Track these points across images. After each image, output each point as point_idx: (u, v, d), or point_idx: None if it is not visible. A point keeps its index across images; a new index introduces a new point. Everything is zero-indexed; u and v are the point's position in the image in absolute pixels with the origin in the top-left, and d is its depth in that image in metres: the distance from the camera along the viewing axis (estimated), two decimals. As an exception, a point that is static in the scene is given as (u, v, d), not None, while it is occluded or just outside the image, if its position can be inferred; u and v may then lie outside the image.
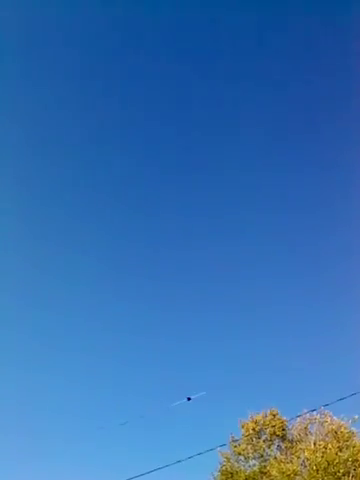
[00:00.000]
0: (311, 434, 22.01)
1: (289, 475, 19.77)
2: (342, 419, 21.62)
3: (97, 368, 41.73)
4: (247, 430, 22.54)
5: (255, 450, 21.97)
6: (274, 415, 22.87)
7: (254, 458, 21.80)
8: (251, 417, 23.01)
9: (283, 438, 22.45)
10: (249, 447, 22.22)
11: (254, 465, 21.48)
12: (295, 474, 20.00)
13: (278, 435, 22.35)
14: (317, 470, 19.29)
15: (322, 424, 21.92)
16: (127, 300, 48.01)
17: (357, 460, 19.49)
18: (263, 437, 22.40)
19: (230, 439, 22.38)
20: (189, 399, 19.05)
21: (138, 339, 44.87)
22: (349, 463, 19.43)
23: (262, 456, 21.82)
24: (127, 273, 49.82)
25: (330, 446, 20.15)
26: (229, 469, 21.63)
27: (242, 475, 20.93)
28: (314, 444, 21.01)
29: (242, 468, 21.52)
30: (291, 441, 22.25)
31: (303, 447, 21.16)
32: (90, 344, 44.04)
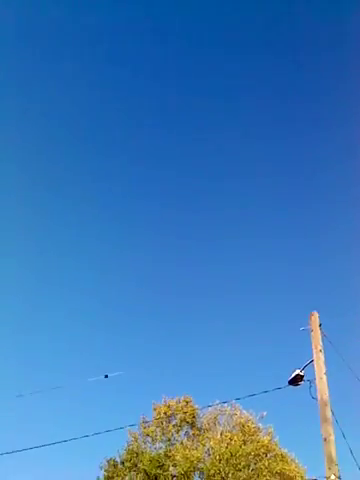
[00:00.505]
0: (219, 424, 22.66)
1: (192, 461, 20.24)
2: (251, 414, 22.39)
3: (20, 336, 40.97)
4: (159, 413, 22.82)
5: (164, 433, 22.31)
6: (187, 402, 23.29)
7: (161, 441, 22.15)
8: (164, 401, 23.34)
9: (192, 425, 22.94)
10: (158, 430, 22.53)
11: (160, 448, 21.83)
12: (198, 461, 20.51)
13: (188, 422, 22.80)
14: (220, 460, 19.88)
15: (231, 416, 22.59)
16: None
17: (259, 455, 20.26)
18: (173, 422, 22.78)
19: (141, 420, 22.59)
20: (106, 376, 18.93)
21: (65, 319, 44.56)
22: (251, 457, 20.17)
23: (169, 440, 22.21)
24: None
25: (236, 438, 20.80)
26: (135, 449, 21.85)
27: (147, 456, 21.19)
28: (221, 434, 21.61)
29: (148, 449, 21.79)
30: (200, 429, 22.78)
31: (210, 436, 21.72)
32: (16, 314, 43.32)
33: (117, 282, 48.26)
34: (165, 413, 22.75)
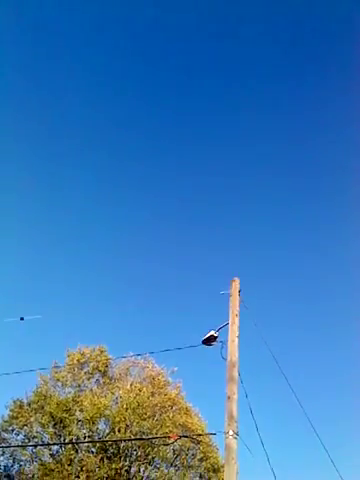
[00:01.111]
0: (131, 376, 23.22)
1: (99, 408, 20.65)
2: (162, 368, 23.11)
3: None
4: (72, 360, 22.93)
5: (74, 380, 22.51)
6: (102, 351, 23.57)
7: (71, 387, 22.36)
8: (79, 349, 23.46)
9: (104, 374, 23.32)
10: (69, 376, 22.68)
11: (69, 393, 22.02)
12: (105, 408, 20.96)
13: (100, 370, 23.14)
14: (126, 409, 20.45)
15: (143, 369, 23.18)
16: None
17: (165, 407, 21.07)
18: (85, 369, 23.01)
19: (52, 364, 22.64)
20: (22, 319, 18.65)
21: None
22: (157, 408, 20.94)
23: (79, 386, 22.46)
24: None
25: (145, 390, 21.44)
26: (44, 392, 21.91)
27: (55, 400, 21.34)
28: (130, 385, 22.16)
29: (57, 394, 21.93)
30: (111, 378, 23.23)
31: (120, 386, 22.21)
32: None
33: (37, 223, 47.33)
34: (78, 360, 22.89)
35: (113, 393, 22.04)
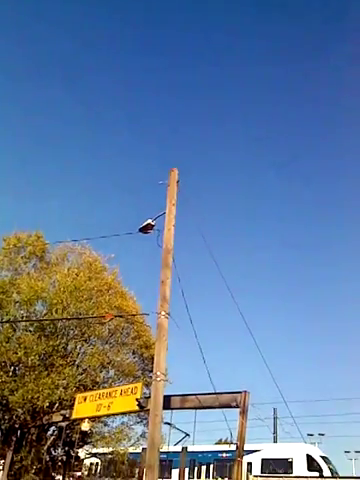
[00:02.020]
0: (68, 261, 23.60)
1: (36, 290, 21.08)
2: (99, 255, 23.59)
3: None
4: (8, 244, 22.83)
5: (11, 264, 22.59)
6: (38, 237, 23.56)
7: (8, 270, 22.48)
8: (15, 234, 23.29)
9: (41, 259, 23.54)
10: (6, 260, 22.69)
11: (6, 276, 22.20)
12: (42, 291, 21.43)
13: (37, 255, 23.30)
14: (64, 291, 21.02)
15: (80, 255, 23.55)
16: None
17: (101, 290, 21.87)
18: (22, 254, 23.07)
19: (-12, 249, 22.47)
20: None
21: None
22: (94, 291, 21.71)
23: (16, 270, 22.63)
24: None
25: (82, 274, 21.97)
26: (-21, 276, 21.93)
27: (-9, 282, 21.48)
28: (68, 270, 22.59)
29: (-7, 277, 22.05)
30: (48, 263, 23.52)
31: (57, 270, 22.59)
32: None
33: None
34: (14, 245, 22.84)
35: (50, 277, 22.43)
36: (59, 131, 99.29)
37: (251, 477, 27.50)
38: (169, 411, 20.97)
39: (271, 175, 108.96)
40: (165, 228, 11.61)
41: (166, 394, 12.38)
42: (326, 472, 26.97)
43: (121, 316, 20.59)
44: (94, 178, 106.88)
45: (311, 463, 27.78)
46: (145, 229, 12.37)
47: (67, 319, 20.50)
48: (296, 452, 28.74)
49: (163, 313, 10.53)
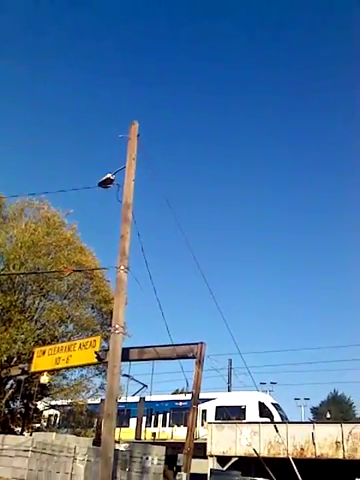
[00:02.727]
0: (26, 216, 23.11)
1: (-8, 245, 20.70)
2: (57, 210, 23.21)
3: None
4: None
5: (-35, 218, 21.96)
6: (-6, 191, 22.86)
7: None
8: (-31, 188, 22.52)
9: (-3, 213, 22.96)
10: None
11: None
12: (-1, 246, 21.07)
13: (-7, 210, 22.70)
14: (21, 247, 20.73)
15: (38, 210, 23.10)
16: None
17: (60, 246, 21.66)
18: (-24, 209, 22.43)
19: None
20: None
21: None
22: (52, 247, 21.49)
23: (-29, 225, 22.04)
24: None
25: (40, 229, 21.65)
26: None
27: None
28: (25, 225, 22.19)
29: None
30: (4, 218, 22.96)
31: (14, 225, 22.14)
32: None
33: None
34: (-32, 199, 22.15)
35: (7, 232, 22.01)
36: (18, 84, 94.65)
37: (206, 423, 28.79)
38: (127, 363, 21.47)
39: (234, 127, 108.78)
40: (125, 183, 11.49)
41: (124, 347, 12.64)
42: (277, 418, 28.52)
43: (80, 271, 20.56)
44: (53, 131, 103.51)
45: (263, 410, 29.28)
46: (104, 184, 12.20)
47: (25, 274, 20.31)
48: (249, 400, 30.16)
49: (122, 267, 10.58)
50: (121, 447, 12.04)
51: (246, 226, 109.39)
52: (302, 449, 23.86)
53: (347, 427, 23.64)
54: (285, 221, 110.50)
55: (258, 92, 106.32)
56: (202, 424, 29.80)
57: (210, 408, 30.89)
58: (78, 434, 21.01)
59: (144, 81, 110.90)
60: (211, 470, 18.20)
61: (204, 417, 30.37)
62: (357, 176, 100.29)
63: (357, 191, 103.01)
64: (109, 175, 12.08)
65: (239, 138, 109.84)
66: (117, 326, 10.09)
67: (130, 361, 16.16)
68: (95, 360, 14.80)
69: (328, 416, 45.47)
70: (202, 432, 28.71)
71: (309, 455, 23.60)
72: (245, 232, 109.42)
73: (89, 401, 23.68)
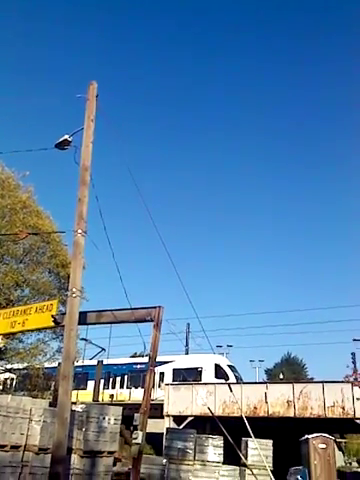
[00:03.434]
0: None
1: None
2: (13, 172, 22.47)
3: None
4: None
5: None
6: None
7: None
8: None
9: None
10: None
11: None
12: None
13: None
14: (-25, 209, 20.07)
15: (-8, 172, 22.30)
16: None
17: (15, 209, 21.08)
18: None
19: None
20: None
21: None
22: (7, 210, 20.89)
23: None
24: None
25: (-6, 192, 20.97)
26: None
27: None
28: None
29: None
30: None
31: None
32: None
33: None
34: None
35: None
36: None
37: (163, 385, 29.51)
38: (85, 328, 21.49)
39: (193, 90, 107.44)
40: (83, 144, 11.18)
41: (82, 310, 12.60)
42: (232, 379, 29.52)
43: (36, 234, 20.14)
44: (7, 89, 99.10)
45: (219, 371, 30.21)
46: (61, 145, 11.85)
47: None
48: (205, 362, 31.01)
49: (80, 231, 10.41)
50: (78, 408, 12.15)
51: (207, 190, 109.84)
52: (255, 408, 24.94)
53: (298, 387, 24.84)
54: (246, 184, 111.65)
55: (223, 37, 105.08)
56: (159, 386, 30.52)
57: (167, 370, 31.59)
58: (35, 397, 21.04)
59: (104, 40, 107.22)
60: (167, 429, 18.76)
61: (162, 379, 31.07)
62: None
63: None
64: (66, 136, 11.73)
65: (202, 97, 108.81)
66: (74, 290, 10.01)
67: (87, 324, 16.13)
68: (52, 324, 14.69)
69: (281, 377, 47.47)
70: (159, 393, 29.43)
71: (262, 413, 24.74)
72: (206, 197, 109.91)
73: (46, 365, 23.67)
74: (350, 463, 46.03)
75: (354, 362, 39.18)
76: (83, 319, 12.79)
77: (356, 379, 18.13)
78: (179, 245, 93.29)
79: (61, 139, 11.81)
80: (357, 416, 22.33)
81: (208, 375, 30.12)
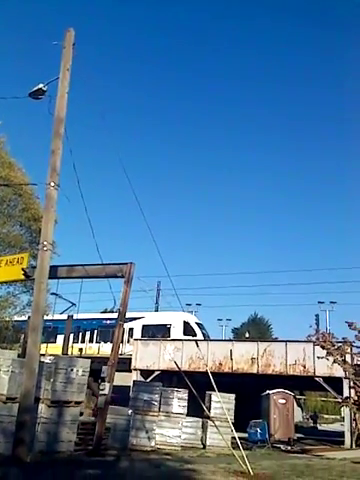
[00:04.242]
0: None
1: None
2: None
3: None
4: None
5: None
6: None
7: None
8: None
9: None
10: None
11: None
12: None
13: None
14: None
15: None
16: None
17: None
18: None
19: None
20: None
21: None
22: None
23: None
24: None
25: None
26: None
27: None
28: None
29: None
30: None
31: None
32: None
33: None
34: None
35: None
36: None
37: (132, 340, 30.07)
38: (56, 283, 21.52)
39: (176, 36, 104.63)
40: (58, 94, 10.86)
41: (53, 264, 12.59)
42: (199, 336, 30.28)
43: (8, 186, 19.74)
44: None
45: (187, 328, 30.89)
46: (36, 94, 11.48)
47: None
48: (174, 319, 31.62)
49: (52, 184, 10.27)
50: (46, 359, 12.32)
51: (183, 145, 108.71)
52: (221, 364, 25.79)
53: (262, 345, 25.73)
54: (219, 137, 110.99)
55: None
56: (128, 341, 31.07)
57: (137, 326, 32.11)
58: (3, 349, 21.22)
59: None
60: (134, 381, 19.26)
61: (131, 335, 31.61)
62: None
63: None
64: (41, 85, 11.36)
65: (181, 47, 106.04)
66: (45, 243, 9.98)
67: (58, 279, 16.18)
68: (22, 277, 14.69)
69: (247, 336, 48.90)
70: (128, 348, 30.02)
71: (227, 369, 25.64)
72: (181, 151, 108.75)
73: (15, 318, 23.73)
74: (308, 419, 48.51)
75: (317, 323, 40.60)
76: (54, 273, 12.80)
77: (318, 339, 18.85)
78: (153, 202, 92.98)
79: (35, 88, 11.44)
80: (317, 374, 23.37)
81: (176, 332, 30.78)
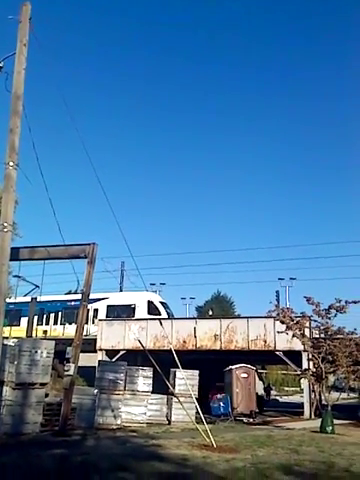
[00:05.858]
0: None
1: None
2: None
3: None
4: None
5: None
6: None
7: None
8: None
9: None
10: None
11: None
12: None
13: None
14: None
15: None
16: None
17: None
18: None
19: None
20: None
21: None
22: None
23: None
24: None
25: None
26: None
27: None
28: None
29: None
30: None
31: None
32: None
33: None
34: None
35: None
36: None
37: (97, 321, 30.07)
38: (18, 264, 21.16)
39: (139, 12, 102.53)
40: (15, 71, 10.52)
41: (14, 246, 12.39)
42: (164, 315, 30.54)
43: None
44: None
45: (151, 308, 31.09)
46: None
47: None
48: (138, 299, 31.74)
49: (11, 164, 10.02)
50: (10, 342, 12.22)
51: (144, 124, 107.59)
52: (185, 342, 26.19)
53: (225, 322, 26.25)
54: (182, 118, 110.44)
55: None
56: (93, 322, 31.04)
57: (101, 307, 32.08)
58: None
59: None
60: (99, 361, 19.34)
61: (96, 315, 31.58)
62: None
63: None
64: (-2, 61, 10.99)
65: (145, 19, 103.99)
66: (5, 224, 9.76)
67: (20, 260, 15.93)
68: (-18, 258, 14.33)
69: (210, 313, 49.64)
70: (93, 329, 30.01)
71: (191, 347, 26.07)
72: (142, 129, 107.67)
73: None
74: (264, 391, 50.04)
75: (278, 299, 41.63)
76: (15, 255, 12.60)
77: (278, 314, 19.37)
78: (115, 182, 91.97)
79: (-9, 64, 11.05)
80: (277, 348, 24.11)
81: (141, 311, 30.95)
